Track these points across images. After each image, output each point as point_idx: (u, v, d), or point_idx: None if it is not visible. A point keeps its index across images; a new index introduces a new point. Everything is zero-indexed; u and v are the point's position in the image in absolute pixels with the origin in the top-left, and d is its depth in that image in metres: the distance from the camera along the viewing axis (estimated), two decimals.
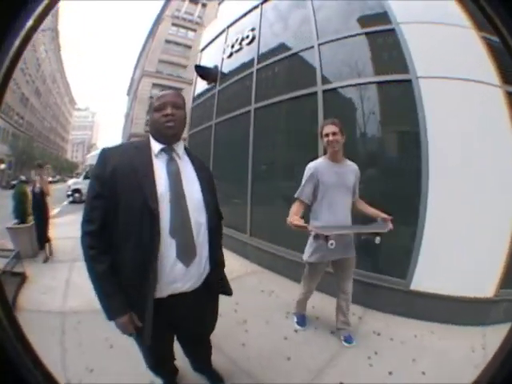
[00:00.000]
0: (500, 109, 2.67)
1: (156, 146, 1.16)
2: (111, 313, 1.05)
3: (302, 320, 2.43)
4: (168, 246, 1.06)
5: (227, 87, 5.41)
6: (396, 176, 2.85)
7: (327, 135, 1.99)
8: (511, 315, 2.56)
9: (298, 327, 2.39)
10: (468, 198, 2.53)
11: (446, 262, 2.53)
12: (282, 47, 4.26)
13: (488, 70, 2.86)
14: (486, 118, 2.65)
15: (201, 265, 1.16)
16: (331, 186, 2.00)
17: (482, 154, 2.54)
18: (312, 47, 3.63)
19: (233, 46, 5.44)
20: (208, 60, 6.45)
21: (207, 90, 6.28)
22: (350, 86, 3.25)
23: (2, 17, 0.35)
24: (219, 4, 7.58)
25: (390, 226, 1.88)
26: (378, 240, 1.87)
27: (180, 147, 1.22)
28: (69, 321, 2.36)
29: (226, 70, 5.64)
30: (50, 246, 4.20)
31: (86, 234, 1.05)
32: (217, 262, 1.26)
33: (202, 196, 1.17)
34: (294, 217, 1.80)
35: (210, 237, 1.20)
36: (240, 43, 5.24)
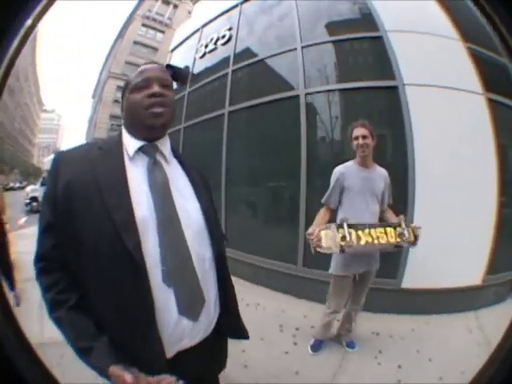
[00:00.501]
0: (483, 114, 2.87)
1: (132, 144, 0.78)
2: (99, 371, 0.67)
3: (319, 345, 2.19)
4: (164, 300, 0.71)
5: (198, 89, 5.19)
6: None
7: (357, 138, 1.89)
8: (501, 296, 2.93)
9: (310, 352, 2.16)
10: (452, 198, 2.65)
11: (434, 257, 2.61)
12: (261, 48, 4.17)
13: (472, 78, 3.08)
14: (469, 124, 2.82)
15: (210, 310, 0.83)
16: (357, 192, 1.91)
17: (466, 156, 2.67)
18: (295, 49, 3.57)
19: (207, 46, 5.27)
20: (178, 61, 6.18)
21: (176, 92, 6.03)
22: (335, 90, 3.25)
23: (2, 16, 0.35)
24: (194, 3, 7.35)
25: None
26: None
27: (166, 145, 0.85)
28: (52, 354, 2.09)
29: (197, 70, 5.43)
30: (12, 276, 3.07)
31: (40, 273, 0.72)
32: (228, 300, 0.92)
33: (202, 217, 0.81)
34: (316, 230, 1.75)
35: (218, 270, 0.86)
36: (215, 43, 5.08)
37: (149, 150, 0.79)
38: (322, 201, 1.98)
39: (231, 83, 4.26)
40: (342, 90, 3.20)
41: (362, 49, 3.31)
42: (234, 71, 4.32)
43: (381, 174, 2.01)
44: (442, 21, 3.44)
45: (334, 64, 3.33)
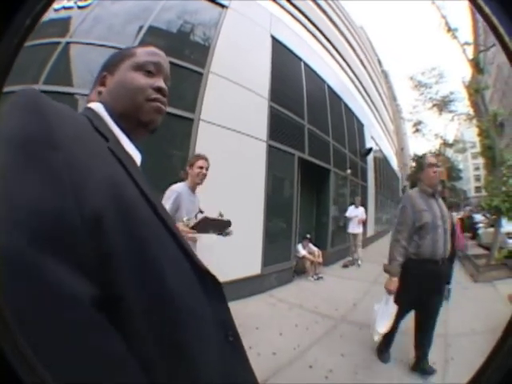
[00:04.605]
0: (260, 157, 4.06)
1: (131, 148, 0.58)
2: None
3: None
4: None
5: (30, 47, 4.01)
6: None
7: (201, 168, 2.18)
8: (282, 281, 4.46)
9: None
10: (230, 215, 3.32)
11: (223, 257, 3.24)
12: (103, 34, 3.80)
13: (262, 128, 4.12)
14: (248, 160, 3.84)
15: None
16: (186, 212, 2.12)
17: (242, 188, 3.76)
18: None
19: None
20: None
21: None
22: None
23: (2, 16, 0.34)
24: None
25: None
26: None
27: None
28: None
29: (43, 21, 4.57)
30: None
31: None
32: None
33: None
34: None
35: None
36: (76, 1, 4.41)
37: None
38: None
39: (59, 55, 3.64)
40: None
41: (181, 76, 3.40)
42: (69, 43, 3.79)
43: (198, 198, 2.34)
44: (260, 80, 3.92)
45: None
